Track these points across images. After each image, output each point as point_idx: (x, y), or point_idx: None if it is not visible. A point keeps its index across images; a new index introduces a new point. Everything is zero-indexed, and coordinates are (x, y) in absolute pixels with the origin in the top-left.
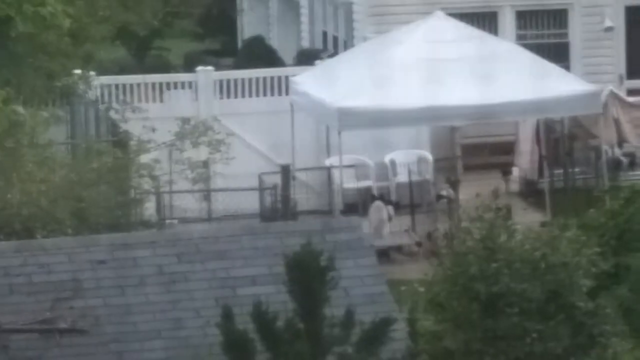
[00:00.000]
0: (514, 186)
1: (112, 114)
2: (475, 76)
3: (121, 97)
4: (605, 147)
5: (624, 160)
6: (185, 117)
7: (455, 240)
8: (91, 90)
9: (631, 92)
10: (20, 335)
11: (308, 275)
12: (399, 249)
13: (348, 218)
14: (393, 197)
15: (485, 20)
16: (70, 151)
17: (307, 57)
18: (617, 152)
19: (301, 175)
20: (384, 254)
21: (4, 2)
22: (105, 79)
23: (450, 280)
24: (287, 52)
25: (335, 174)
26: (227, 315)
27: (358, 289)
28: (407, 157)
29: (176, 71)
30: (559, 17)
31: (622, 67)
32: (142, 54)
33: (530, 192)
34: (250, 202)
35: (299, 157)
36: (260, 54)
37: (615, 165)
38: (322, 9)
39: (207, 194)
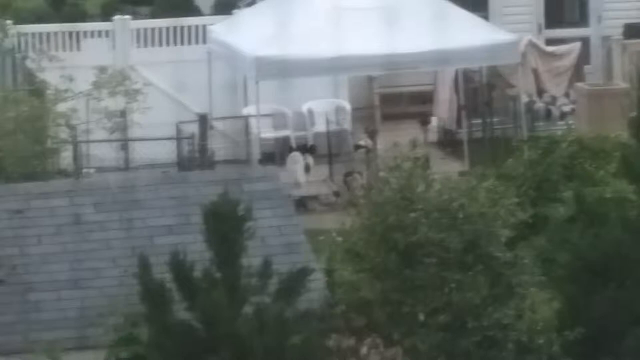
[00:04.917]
0: (433, 136)
1: (29, 63)
2: (392, 25)
3: (38, 46)
4: (525, 97)
5: (553, 110)
6: (103, 66)
7: (374, 190)
8: (8, 40)
9: (550, 41)
10: None
11: (225, 225)
12: (316, 198)
13: (265, 168)
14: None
15: None
16: None
17: (225, 7)
18: (539, 102)
19: (219, 125)
20: (302, 204)
21: None
22: (22, 28)
23: (368, 230)
24: (204, 1)
25: (253, 123)
26: (144, 265)
27: (276, 239)
28: (325, 106)
29: (93, 20)
30: None
31: (541, 17)
32: (59, 3)
33: (449, 142)
34: (168, 152)
35: (217, 106)
36: (178, 3)
37: (546, 115)
38: None
39: (124, 144)
